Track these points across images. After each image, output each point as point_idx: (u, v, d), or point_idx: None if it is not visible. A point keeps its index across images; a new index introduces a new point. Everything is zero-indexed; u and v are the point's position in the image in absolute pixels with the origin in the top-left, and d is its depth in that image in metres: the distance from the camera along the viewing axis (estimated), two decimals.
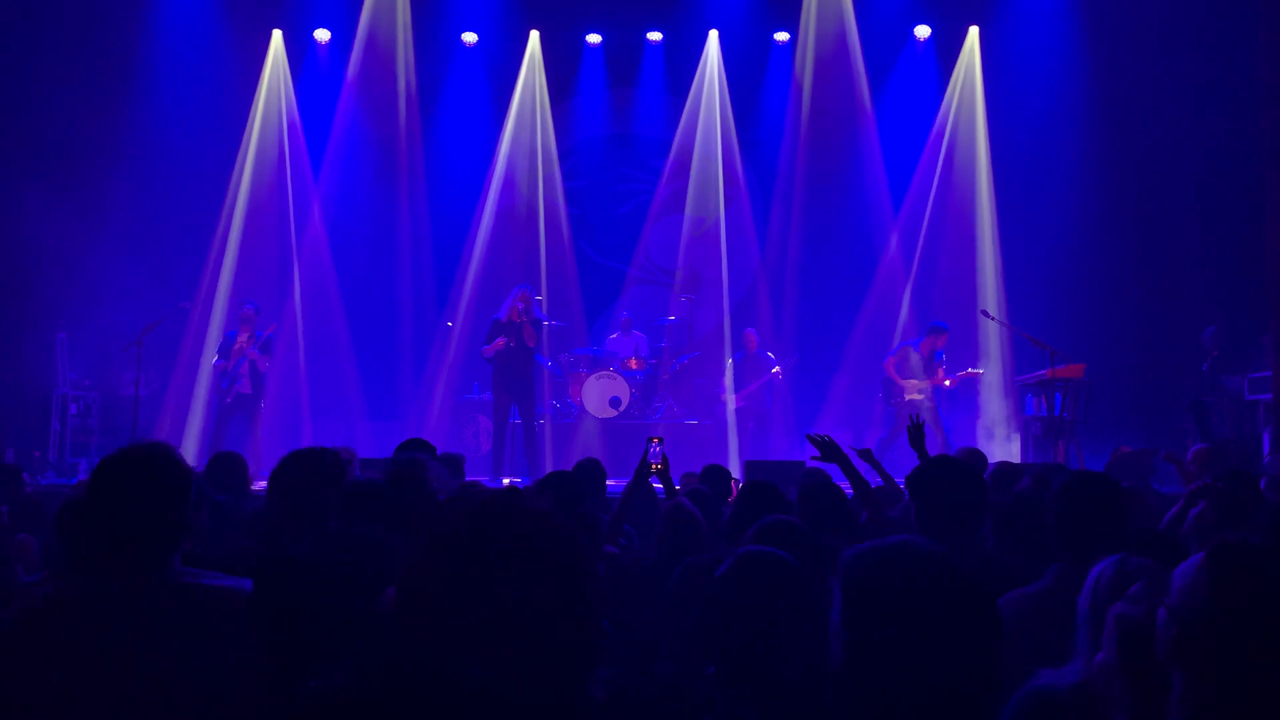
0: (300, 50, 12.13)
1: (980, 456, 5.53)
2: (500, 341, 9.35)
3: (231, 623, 1.95)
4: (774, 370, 10.91)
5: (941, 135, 12.03)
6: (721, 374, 11.39)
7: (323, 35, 12.08)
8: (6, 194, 9.94)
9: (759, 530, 2.79)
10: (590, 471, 5.22)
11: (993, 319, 10.43)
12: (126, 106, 10.85)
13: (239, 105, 11.67)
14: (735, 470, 8.29)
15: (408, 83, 12.12)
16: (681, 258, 12.54)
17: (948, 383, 10.22)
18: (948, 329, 10.40)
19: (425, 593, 1.25)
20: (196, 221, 11.33)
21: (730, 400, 10.98)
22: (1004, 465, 5.27)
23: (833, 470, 4.77)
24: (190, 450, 9.93)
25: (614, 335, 11.43)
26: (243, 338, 9.67)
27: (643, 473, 4.72)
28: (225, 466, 4.80)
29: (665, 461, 4.95)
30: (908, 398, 10.09)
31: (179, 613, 1.97)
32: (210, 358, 10.23)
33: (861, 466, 4.38)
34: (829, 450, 4.18)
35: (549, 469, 9.04)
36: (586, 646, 1.28)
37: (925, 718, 1.41)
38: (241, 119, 11.67)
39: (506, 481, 8.93)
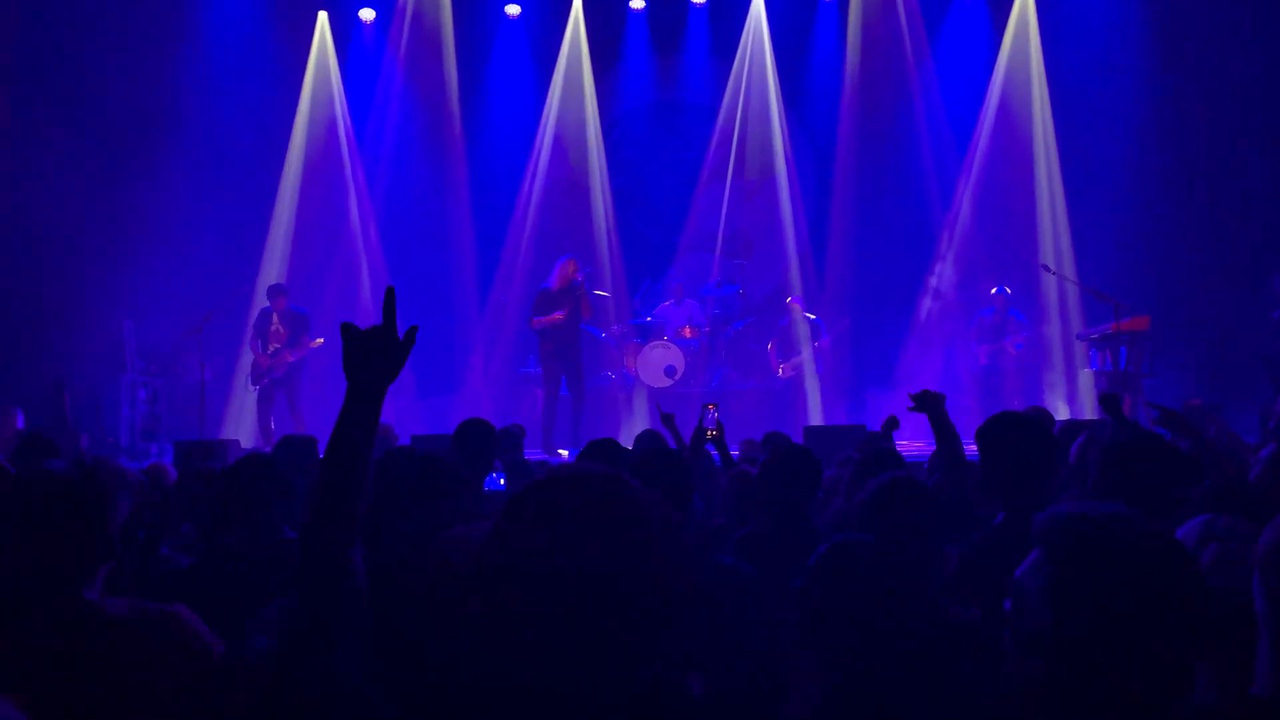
0: (346, 30, 12.19)
1: (1046, 414, 5.43)
2: (558, 315, 9.27)
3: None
4: (818, 343, 10.82)
5: (997, 87, 11.76)
6: (775, 339, 11.29)
7: (367, 14, 12.13)
8: (69, 186, 10.15)
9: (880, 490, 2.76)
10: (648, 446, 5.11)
11: (1053, 273, 10.22)
12: (182, 95, 11.01)
13: (291, 89, 11.80)
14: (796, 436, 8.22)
15: (453, 58, 12.15)
16: (732, 224, 12.44)
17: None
18: (1002, 289, 10.45)
19: (514, 585, 1.19)
20: (253, 206, 11.50)
21: (783, 371, 10.90)
22: (1071, 423, 5.17)
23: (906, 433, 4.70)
24: (246, 435, 10.15)
25: (667, 303, 11.40)
26: (275, 321, 9.87)
27: (699, 439, 4.71)
28: (293, 449, 4.89)
29: (720, 428, 4.94)
30: (984, 362, 10.43)
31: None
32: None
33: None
34: (927, 400, 3.90)
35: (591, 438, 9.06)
36: (680, 639, 1.23)
37: (1129, 691, 1.38)
38: (293, 102, 11.81)
39: (565, 453, 8.97)
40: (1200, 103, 10.60)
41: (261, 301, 10.43)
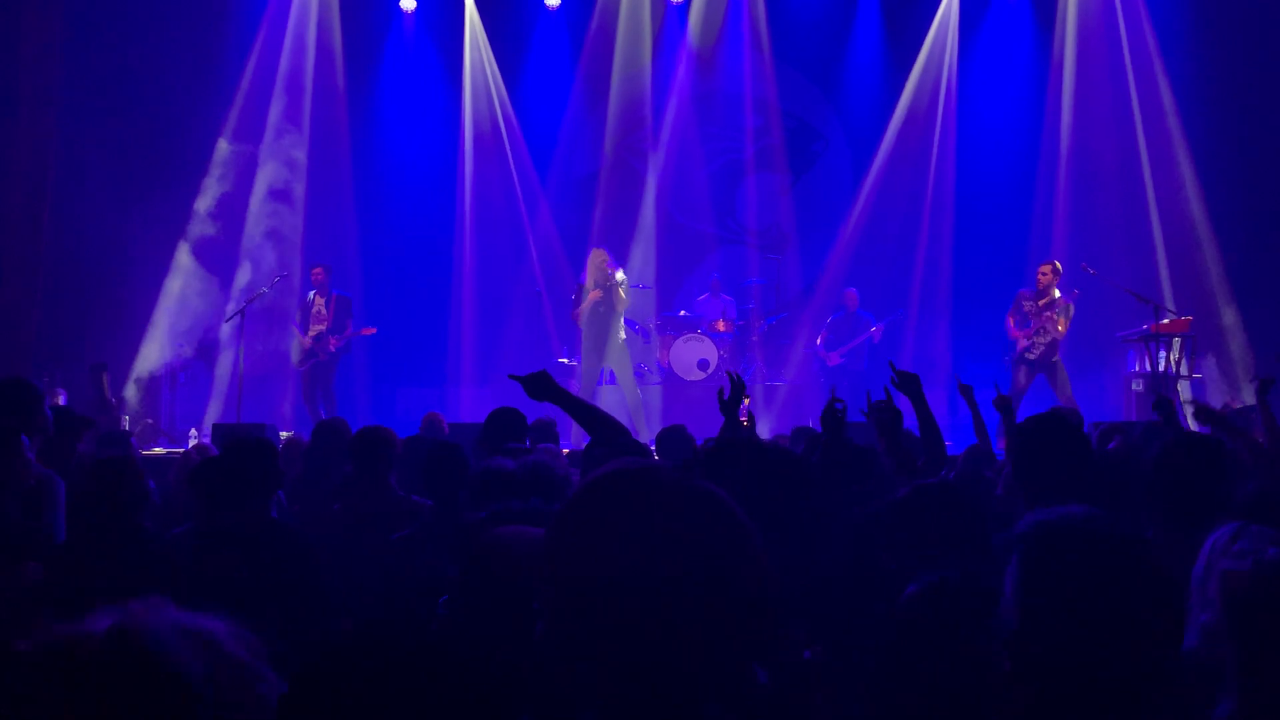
0: (386, 19, 12.27)
1: (1077, 416, 5.37)
2: (585, 302, 9.50)
3: None
4: (872, 330, 10.67)
5: (1035, 83, 11.61)
6: (811, 334, 11.22)
7: (408, 4, 12.16)
8: (115, 175, 10.33)
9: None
10: (675, 439, 5.09)
11: (1093, 274, 10.06)
12: (221, 86, 11.17)
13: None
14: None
15: (487, 46, 12.18)
16: (769, 217, 12.37)
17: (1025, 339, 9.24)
18: (1050, 261, 9.55)
19: (584, 588, 1.15)
20: (291, 194, 11.62)
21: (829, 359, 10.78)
22: (1108, 426, 5.11)
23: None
24: (288, 416, 10.28)
25: (702, 297, 11.38)
26: (319, 303, 9.81)
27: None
28: (332, 434, 4.99)
29: (751, 419, 4.92)
30: (1021, 352, 9.23)
31: None
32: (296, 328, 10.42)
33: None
34: (908, 383, 3.92)
35: (650, 430, 9.12)
36: (761, 632, 1.18)
37: (1100, 698, 1.38)
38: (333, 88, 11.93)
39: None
40: (1244, 92, 10.43)
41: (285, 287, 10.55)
